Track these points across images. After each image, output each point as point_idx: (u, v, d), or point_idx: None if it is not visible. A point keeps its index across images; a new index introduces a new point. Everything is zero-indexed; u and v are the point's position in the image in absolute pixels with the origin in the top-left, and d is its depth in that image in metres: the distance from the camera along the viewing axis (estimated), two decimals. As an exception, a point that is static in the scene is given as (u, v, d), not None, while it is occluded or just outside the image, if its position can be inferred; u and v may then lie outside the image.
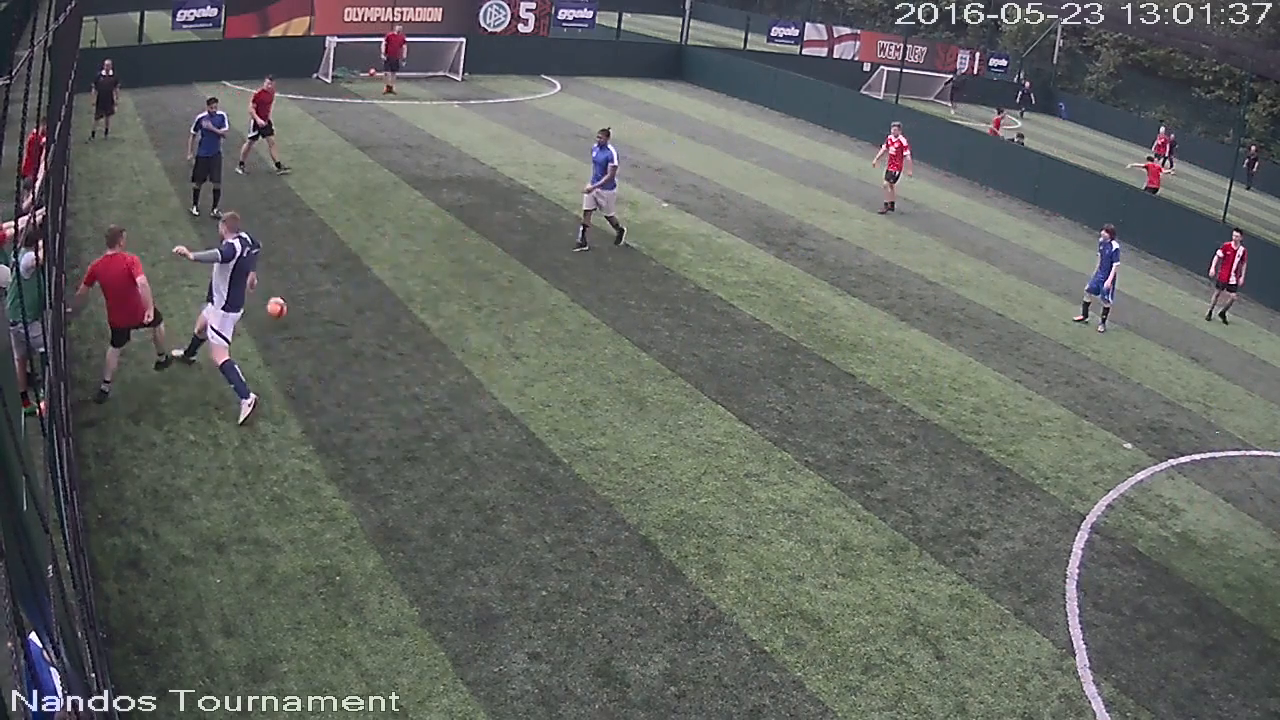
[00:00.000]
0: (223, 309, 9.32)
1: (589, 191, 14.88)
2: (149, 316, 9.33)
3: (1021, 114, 35.09)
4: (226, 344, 9.34)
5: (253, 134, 17.06)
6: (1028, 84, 36.82)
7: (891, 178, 19.81)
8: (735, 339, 12.38)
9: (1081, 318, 15.04)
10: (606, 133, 14.97)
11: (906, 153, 19.71)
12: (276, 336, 10.97)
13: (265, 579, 7.17)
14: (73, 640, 4.42)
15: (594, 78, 30.37)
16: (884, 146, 19.95)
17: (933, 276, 16.07)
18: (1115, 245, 14.75)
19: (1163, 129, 32.09)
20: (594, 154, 14.90)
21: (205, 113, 14.90)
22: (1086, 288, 15.19)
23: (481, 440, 9.39)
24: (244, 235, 9.42)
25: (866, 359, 12.36)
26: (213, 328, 9.35)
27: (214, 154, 14.89)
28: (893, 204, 19.89)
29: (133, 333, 9.49)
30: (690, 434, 9.97)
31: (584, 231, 14.95)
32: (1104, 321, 14.90)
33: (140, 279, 9.03)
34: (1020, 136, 27.30)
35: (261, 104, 16.99)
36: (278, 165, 17.21)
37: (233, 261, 9.24)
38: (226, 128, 15.11)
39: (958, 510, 9.29)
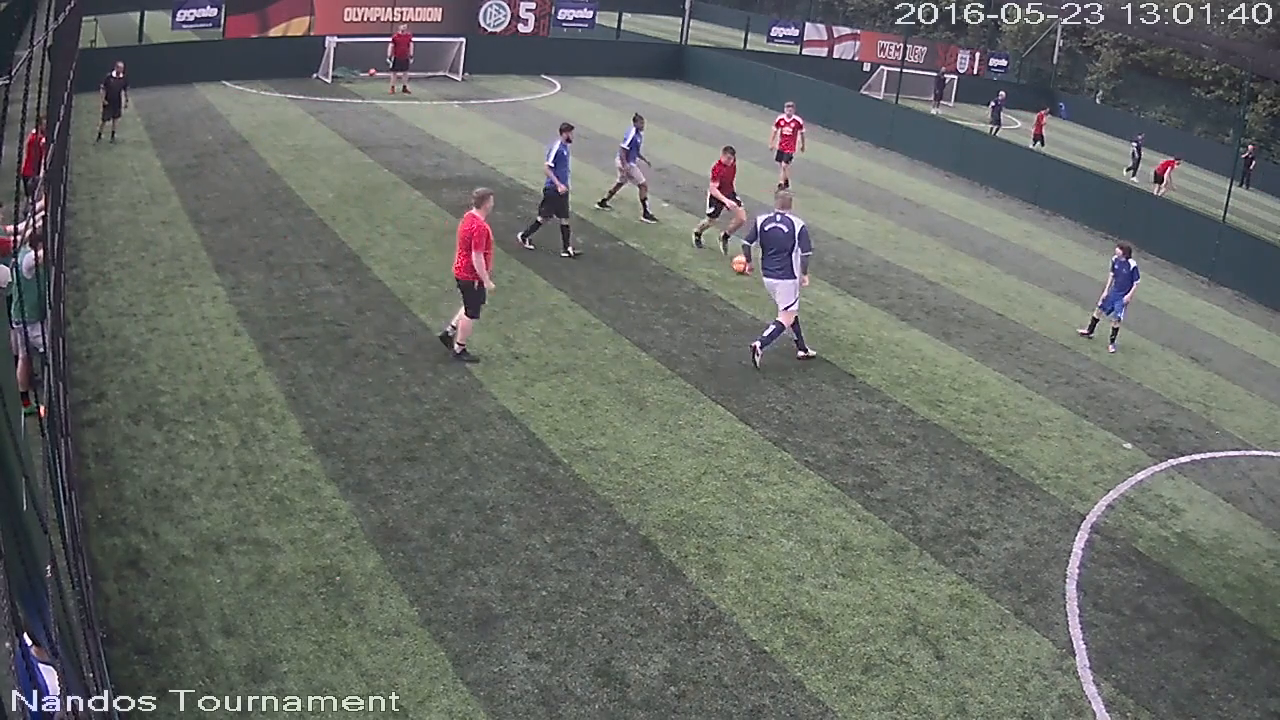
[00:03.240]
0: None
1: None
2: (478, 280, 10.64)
3: (993, 130, 31.88)
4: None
5: (710, 210, 15.37)
6: (1002, 94, 34.19)
7: (785, 159, 19.56)
8: (735, 339, 12.37)
9: (1087, 332, 14.33)
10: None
11: (801, 131, 19.58)
12: (276, 336, 10.98)
13: (265, 579, 7.17)
14: (72, 640, 4.42)
15: (594, 78, 30.38)
16: (776, 128, 19.65)
17: (933, 276, 16.06)
18: (1134, 264, 13.95)
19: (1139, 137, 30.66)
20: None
21: (561, 141, 14.25)
22: (1099, 305, 14.27)
23: (481, 440, 9.39)
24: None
25: (866, 359, 12.36)
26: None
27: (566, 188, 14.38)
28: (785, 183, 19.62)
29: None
30: (690, 434, 9.96)
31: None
32: (1114, 340, 14.08)
33: (476, 254, 10.51)
34: None
35: (724, 180, 15.15)
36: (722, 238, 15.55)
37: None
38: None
39: (958, 510, 9.28)
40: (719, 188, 15.12)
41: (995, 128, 32.25)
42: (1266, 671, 7.70)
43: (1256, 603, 8.59)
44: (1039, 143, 29.68)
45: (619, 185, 16.75)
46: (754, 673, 6.90)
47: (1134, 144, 30.16)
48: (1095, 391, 12.56)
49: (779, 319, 11.68)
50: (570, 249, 14.43)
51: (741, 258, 12.72)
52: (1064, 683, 7.23)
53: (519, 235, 14.64)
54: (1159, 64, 41.03)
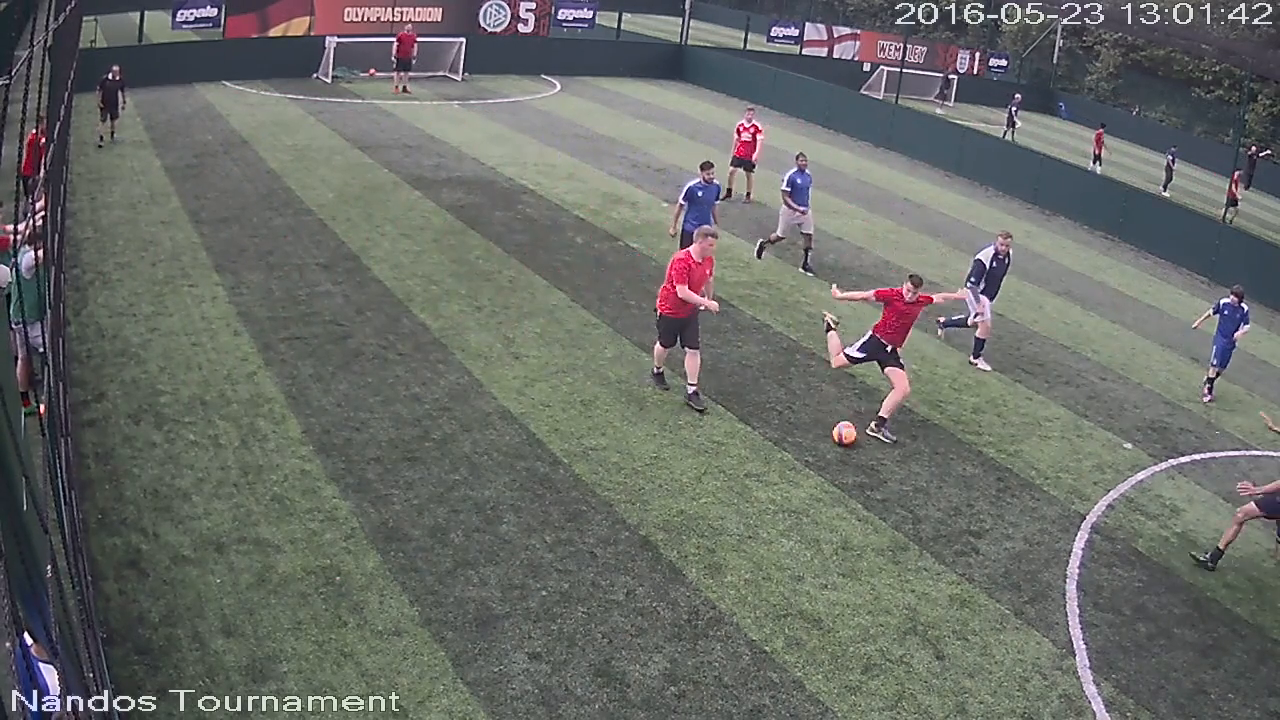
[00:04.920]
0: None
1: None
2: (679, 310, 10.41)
3: (1008, 133, 31.13)
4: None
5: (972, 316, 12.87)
6: (1018, 97, 33.45)
7: (745, 166, 18.45)
8: (735, 339, 12.37)
9: (1209, 397, 12.90)
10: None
11: (760, 137, 18.46)
12: (276, 336, 10.98)
13: (265, 579, 7.17)
14: (72, 640, 4.42)
15: (594, 78, 30.39)
16: (736, 134, 18.53)
17: (933, 276, 16.05)
18: (1246, 307, 12.91)
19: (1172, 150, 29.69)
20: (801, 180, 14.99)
21: (699, 180, 13.27)
22: (1213, 362, 12.93)
23: (481, 440, 9.38)
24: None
25: (866, 359, 12.34)
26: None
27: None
28: (748, 194, 18.66)
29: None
30: (690, 434, 9.96)
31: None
32: (1210, 389, 12.97)
33: (678, 284, 10.20)
34: None
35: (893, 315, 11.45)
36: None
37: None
38: (718, 200, 13.50)
39: (958, 510, 9.28)
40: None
41: (1010, 130, 31.36)
42: (1266, 671, 7.70)
43: (1256, 603, 8.59)
44: (1097, 163, 28.31)
45: (780, 237, 15.53)
46: (754, 673, 6.90)
47: (1168, 157, 29.17)
48: (1095, 391, 12.55)
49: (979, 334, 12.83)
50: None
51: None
52: (1064, 683, 7.23)
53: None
54: (1159, 64, 41.03)
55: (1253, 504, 8.86)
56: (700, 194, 13.18)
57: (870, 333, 10.70)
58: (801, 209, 14.99)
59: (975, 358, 12.81)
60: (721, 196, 18.22)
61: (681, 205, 13.26)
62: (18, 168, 11.22)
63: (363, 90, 25.14)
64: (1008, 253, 12.85)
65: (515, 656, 6.75)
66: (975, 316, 12.71)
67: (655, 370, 10.92)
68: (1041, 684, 7.18)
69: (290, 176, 16.91)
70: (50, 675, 3.42)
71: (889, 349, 10.55)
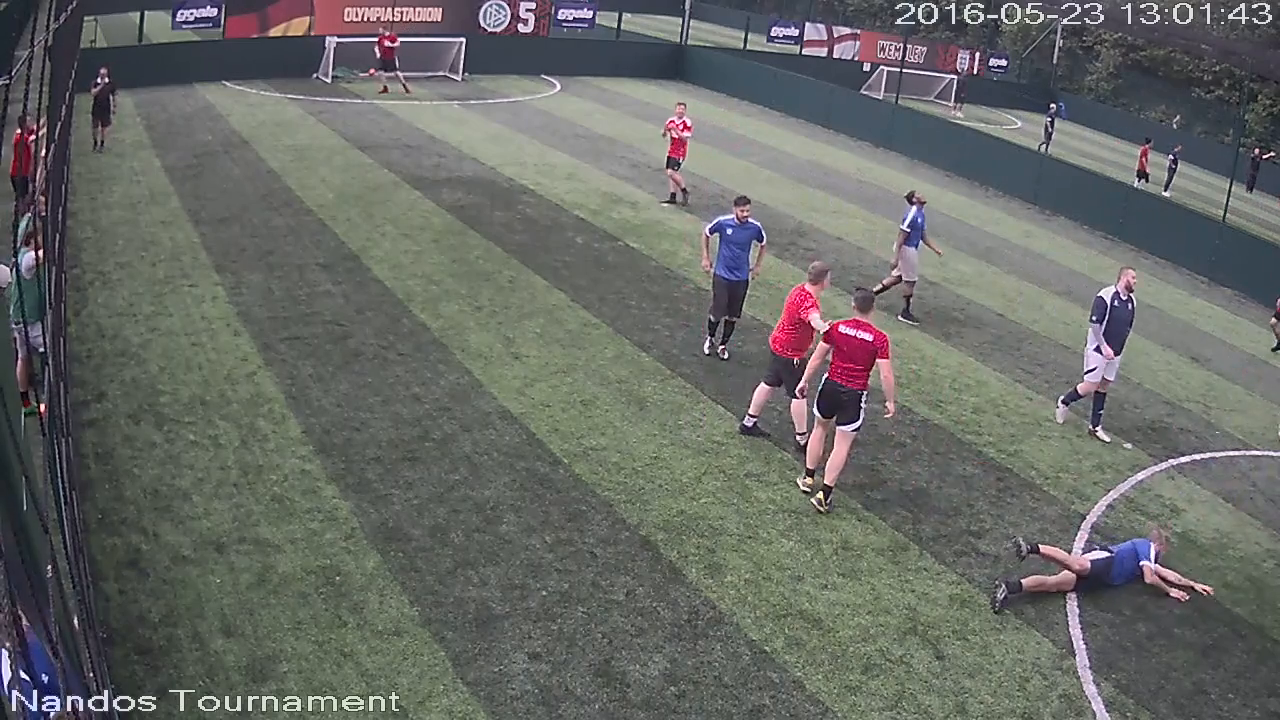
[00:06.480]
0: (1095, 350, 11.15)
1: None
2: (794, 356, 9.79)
3: (1044, 146, 29.81)
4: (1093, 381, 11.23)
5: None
6: (1052, 107, 31.62)
7: (675, 165, 17.49)
8: (735, 339, 12.35)
9: None
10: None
11: (687, 134, 17.35)
12: (276, 336, 10.98)
13: (265, 579, 7.17)
14: (72, 640, 4.42)
15: (594, 78, 30.38)
16: (670, 128, 17.42)
17: (933, 276, 16.06)
18: None
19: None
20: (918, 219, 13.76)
21: (731, 216, 11.37)
22: None
23: (481, 440, 9.39)
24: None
25: (866, 359, 12.33)
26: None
27: (743, 279, 11.50)
28: (680, 193, 17.72)
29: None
30: (690, 434, 9.96)
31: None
32: None
33: (810, 317, 9.34)
34: None
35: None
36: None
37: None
38: (765, 240, 11.68)
39: (958, 510, 9.28)
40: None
41: (1047, 143, 30.00)
42: (1266, 671, 7.70)
43: (1256, 603, 8.59)
44: (1143, 179, 27.13)
45: (896, 280, 14.12)
46: (754, 673, 6.90)
47: (1170, 158, 28.60)
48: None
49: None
50: (725, 348, 11.94)
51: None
52: (1064, 683, 7.23)
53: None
54: (1159, 64, 41.04)
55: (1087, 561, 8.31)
56: (730, 232, 11.24)
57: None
58: (910, 248, 13.84)
59: (1093, 425, 11.34)
60: (681, 202, 17.67)
61: (706, 237, 11.61)
62: (19, 167, 11.23)
63: (363, 90, 25.13)
64: (1131, 293, 11.16)
65: (515, 656, 6.75)
66: (1088, 373, 11.19)
67: (751, 418, 9.91)
68: (1041, 684, 7.18)
69: (290, 176, 16.91)
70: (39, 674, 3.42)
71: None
